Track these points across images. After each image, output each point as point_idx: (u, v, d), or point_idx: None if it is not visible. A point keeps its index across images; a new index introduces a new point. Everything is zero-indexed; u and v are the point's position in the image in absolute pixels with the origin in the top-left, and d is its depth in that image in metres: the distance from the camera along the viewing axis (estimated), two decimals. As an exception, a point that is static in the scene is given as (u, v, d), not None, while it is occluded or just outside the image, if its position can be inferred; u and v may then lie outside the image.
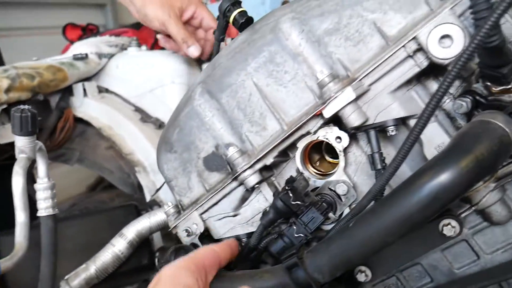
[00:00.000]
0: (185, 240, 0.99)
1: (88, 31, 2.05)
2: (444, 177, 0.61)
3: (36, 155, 0.95)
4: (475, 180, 0.63)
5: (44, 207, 0.96)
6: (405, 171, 0.83)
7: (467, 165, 0.61)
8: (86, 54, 1.72)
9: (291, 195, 0.81)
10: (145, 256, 1.23)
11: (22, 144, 0.91)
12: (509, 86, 0.68)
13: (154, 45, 1.92)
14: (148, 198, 1.50)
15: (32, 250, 0.91)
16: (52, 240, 0.96)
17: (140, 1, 1.40)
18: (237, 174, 0.88)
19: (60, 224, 1.02)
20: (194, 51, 1.38)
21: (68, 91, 1.73)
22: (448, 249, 0.85)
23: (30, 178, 1.16)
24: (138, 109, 1.71)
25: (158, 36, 1.55)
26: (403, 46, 0.73)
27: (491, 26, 0.55)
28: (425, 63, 0.73)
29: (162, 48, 1.85)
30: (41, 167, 0.97)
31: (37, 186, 0.97)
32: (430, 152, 0.78)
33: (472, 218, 0.82)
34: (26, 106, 0.88)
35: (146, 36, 1.90)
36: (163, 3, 1.38)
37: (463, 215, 0.81)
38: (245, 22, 0.97)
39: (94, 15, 4.76)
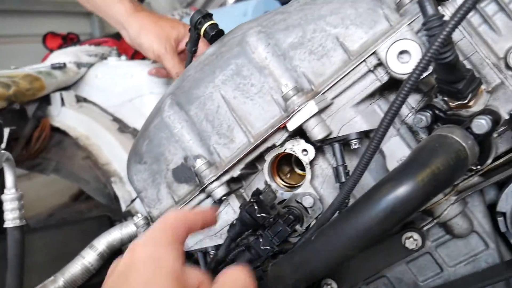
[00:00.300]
0: (154, 252, 0.98)
1: (69, 40, 2.04)
2: (401, 191, 0.61)
3: (3, 165, 0.94)
4: (432, 193, 0.63)
5: (11, 218, 0.95)
6: (371, 183, 0.84)
7: (423, 179, 0.61)
8: (64, 64, 1.71)
9: (256, 207, 0.81)
10: (117, 268, 1.22)
11: (-12, 154, 0.90)
12: (466, 101, 0.69)
13: (134, 55, 1.92)
14: (123, 208, 1.49)
15: (-3, 262, 0.90)
16: (18, 252, 0.95)
17: (135, 30, 1.40)
18: (204, 186, 0.88)
19: (31, 236, 1.02)
20: None
21: (45, 100, 1.72)
22: (412, 261, 0.86)
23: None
24: (116, 119, 1.70)
25: (152, 71, 1.57)
26: (364, 60, 0.74)
27: (442, 43, 0.57)
28: (385, 78, 0.74)
29: (142, 58, 1.85)
30: (9, 178, 0.96)
31: (4, 196, 0.96)
32: (393, 165, 0.79)
33: (435, 231, 0.83)
34: (-8, 117, 0.87)
35: (126, 46, 1.90)
36: (159, 35, 1.37)
37: (425, 228, 0.82)
38: (215, 34, 0.97)
39: (81, 24, 4.74)
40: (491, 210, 0.82)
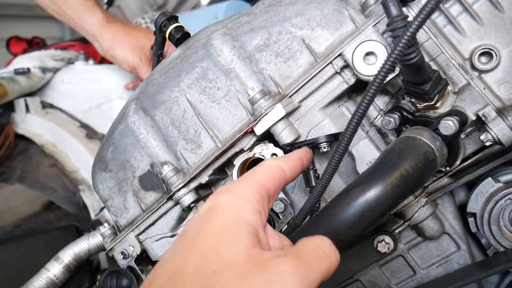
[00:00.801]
0: (121, 263, 0.95)
1: (34, 44, 1.98)
2: (370, 195, 0.60)
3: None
4: (401, 196, 0.62)
5: (-32, 233, 0.90)
6: (341, 187, 0.83)
7: (391, 182, 0.60)
8: (28, 69, 1.66)
9: (225, 214, 0.79)
10: (85, 281, 1.18)
11: None
12: (432, 102, 0.69)
13: (103, 59, 1.87)
14: (93, 217, 1.44)
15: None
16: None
17: (108, 42, 1.38)
18: (172, 193, 0.85)
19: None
20: None
21: (9, 107, 1.66)
22: (385, 265, 0.85)
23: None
24: (84, 125, 1.66)
25: (129, 85, 1.54)
26: (331, 62, 0.72)
27: (406, 44, 0.55)
28: (352, 80, 0.73)
29: (110, 62, 1.81)
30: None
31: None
32: (362, 167, 0.77)
33: (407, 234, 0.83)
34: None
35: (94, 50, 1.85)
36: (132, 46, 1.35)
37: (397, 230, 0.81)
38: (181, 37, 0.94)
39: (50, 28, 4.63)
40: (462, 211, 0.82)
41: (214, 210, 0.52)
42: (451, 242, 0.81)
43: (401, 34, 0.56)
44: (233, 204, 0.52)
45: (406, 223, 0.79)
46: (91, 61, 1.81)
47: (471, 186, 0.83)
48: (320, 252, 0.51)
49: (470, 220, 0.80)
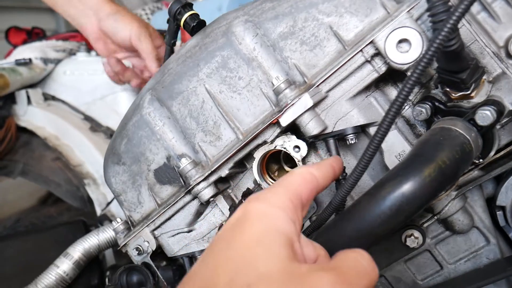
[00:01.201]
0: (136, 259, 0.92)
1: (34, 35, 1.93)
2: (406, 188, 0.58)
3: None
4: (439, 189, 0.60)
5: (-24, 229, 0.87)
6: (366, 180, 0.80)
7: (429, 174, 0.58)
8: (30, 59, 1.61)
9: (247, 208, 0.76)
10: (95, 276, 1.15)
11: None
12: (468, 92, 0.66)
13: (105, 50, 1.83)
14: (98, 212, 1.41)
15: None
16: (-15, 264, 0.87)
17: (109, 13, 1.31)
18: (191, 187, 0.82)
19: (-1, 245, 0.93)
20: None
21: (10, 99, 1.62)
22: (411, 260, 0.83)
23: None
24: (87, 118, 1.62)
25: (125, 61, 1.45)
26: (361, 50, 0.69)
27: (450, 29, 0.53)
28: (383, 68, 0.70)
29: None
30: (-28, 184, 0.88)
31: (-33, 206, 0.87)
32: (391, 160, 0.75)
33: (434, 228, 0.80)
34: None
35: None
36: (137, 19, 1.30)
37: (425, 225, 0.79)
38: (196, 25, 0.91)
39: (44, 19, 4.56)
40: (490, 204, 0.80)
41: (247, 219, 0.50)
42: (480, 236, 0.79)
43: (446, 19, 0.53)
44: (267, 213, 0.50)
45: (435, 217, 0.77)
46: (93, 52, 1.77)
47: (498, 179, 0.80)
48: (360, 267, 0.49)
49: (499, 213, 0.78)
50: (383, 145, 0.75)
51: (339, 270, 0.47)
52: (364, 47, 0.69)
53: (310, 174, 0.57)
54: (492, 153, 0.70)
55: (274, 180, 0.88)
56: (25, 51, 1.70)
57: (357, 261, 0.50)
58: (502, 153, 0.72)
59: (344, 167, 0.77)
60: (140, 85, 1.39)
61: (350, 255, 0.50)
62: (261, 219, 0.49)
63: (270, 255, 0.45)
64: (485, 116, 0.63)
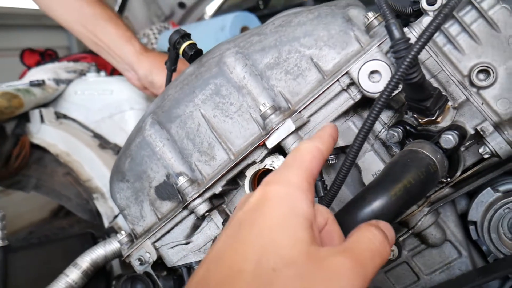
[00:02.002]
0: (138, 268, 0.99)
1: (47, 56, 2.04)
2: (375, 205, 0.64)
3: (-16, 187, 0.94)
4: (405, 206, 0.66)
5: (-7, 240, 0.95)
6: (348, 197, 0.87)
7: (395, 193, 0.64)
8: (43, 81, 1.71)
9: (238, 223, 0.84)
10: (101, 286, 1.22)
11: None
12: (434, 118, 0.73)
13: (113, 71, 1.93)
14: (106, 224, 1.49)
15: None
16: (1, 271, 0.95)
17: (146, 69, 1.44)
18: (187, 203, 0.90)
19: (12, 255, 1.01)
20: None
21: (24, 118, 1.72)
22: (390, 271, 0.89)
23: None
24: (96, 135, 1.71)
25: None
26: (338, 80, 0.77)
27: (408, 65, 0.60)
28: (358, 96, 0.78)
29: (121, 74, 1.86)
30: (-10, 200, 0.96)
31: (-15, 218, 0.96)
32: (368, 179, 0.82)
33: (411, 241, 0.87)
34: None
35: (105, 62, 1.91)
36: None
37: (401, 238, 0.85)
38: (194, 54, 0.99)
39: (57, 37, 4.71)
40: (463, 219, 0.86)
41: (268, 201, 0.50)
42: (453, 249, 0.85)
43: (404, 55, 0.60)
44: (287, 195, 0.51)
45: (410, 231, 0.84)
46: (102, 73, 1.87)
47: (472, 196, 0.87)
48: (374, 248, 0.51)
49: (471, 228, 0.84)
50: (361, 165, 0.82)
51: (355, 252, 0.48)
52: (340, 77, 0.77)
53: (317, 149, 0.58)
54: (459, 173, 0.77)
55: (265, 196, 0.95)
56: (38, 73, 1.80)
57: (371, 242, 0.51)
58: (469, 172, 0.79)
59: (326, 185, 0.84)
60: None
61: (364, 236, 0.52)
62: (282, 201, 0.50)
63: (293, 240, 0.47)
64: (448, 140, 0.70)
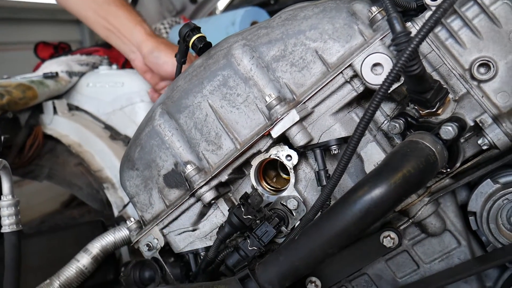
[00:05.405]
0: (146, 254, 1.03)
1: (60, 49, 2.08)
2: (375, 193, 0.66)
3: (0, 172, 0.98)
4: (404, 195, 0.69)
5: (8, 224, 0.99)
6: (350, 185, 0.89)
7: (395, 182, 0.66)
8: (57, 73, 1.75)
9: (243, 209, 0.86)
10: (111, 271, 1.26)
11: (-15, 161, 0.94)
12: (434, 110, 0.75)
13: (125, 64, 1.96)
14: (116, 213, 1.53)
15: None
16: (15, 255, 0.99)
17: (151, 47, 1.46)
18: (194, 190, 0.93)
19: (26, 241, 1.05)
20: None
21: (38, 109, 1.76)
22: (391, 259, 0.91)
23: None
24: (108, 127, 1.74)
25: (149, 91, 1.63)
26: (341, 72, 0.79)
27: (408, 57, 0.62)
28: (361, 88, 0.80)
29: (132, 67, 1.90)
30: (5, 184, 1.00)
31: (1, 203, 1.00)
32: (370, 168, 0.84)
33: (411, 230, 0.89)
34: (-11, 127, 0.91)
35: (117, 55, 1.94)
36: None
37: (402, 227, 0.87)
38: (203, 47, 1.02)
39: (70, 31, 4.76)
40: (464, 210, 0.88)
41: None
42: (452, 238, 0.87)
43: (404, 48, 0.63)
44: None
45: (410, 220, 0.86)
46: (114, 66, 1.90)
47: (472, 187, 0.88)
48: None
49: (471, 218, 0.86)
50: (363, 155, 0.84)
51: None
52: (343, 70, 0.79)
53: None
54: (458, 164, 0.79)
55: (270, 185, 0.98)
56: (52, 65, 1.84)
57: None
58: (469, 164, 0.80)
59: (329, 175, 0.87)
60: None
61: None
62: None
63: None
64: (447, 131, 0.72)
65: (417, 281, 0.89)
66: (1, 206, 1.00)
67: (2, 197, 1.01)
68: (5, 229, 0.99)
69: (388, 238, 0.85)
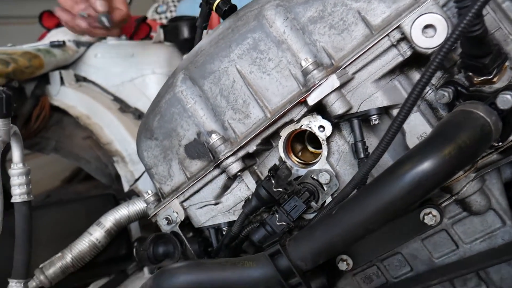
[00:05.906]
0: (165, 228, 0.98)
1: (66, 18, 1.99)
2: (427, 165, 0.61)
3: (11, 139, 0.92)
4: (457, 167, 0.63)
5: (19, 193, 0.94)
6: (387, 161, 0.84)
7: (449, 153, 0.61)
8: (64, 42, 1.68)
9: (273, 182, 0.81)
10: (123, 246, 1.21)
11: (-4, 126, 0.88)
12: (490, 77, 0.69)
13: (134, 35, 1.89)
14: (126, 188, 1.48)
15: (6, 238, 0.88)
16: (26, 227, 0.94)
17: None
18: (219, 161, 0.87)
19: (35, 213, 1.00)
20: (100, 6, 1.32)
21: (44, 79, 1.69)
22: (428, 238, 0.86)
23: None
24: (117, 99, 1.68)
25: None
26: (387, 35, 0.73)
27: (474, 15, 0.56)
28: (408, 53, 0.74)
29: (142, 39, 1.83)
30: (16, 152, 0.94)
31: (11, 171, 0.94)
32: (412, 141, 0.78)
33: (452, 208, 0.83)
34: (1, 88, 0.85)
35: (125, 26, 1.87)
36: None
37: (443, 204, 0.82)
38: (228, 9, 0.95)
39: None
40: (507, 188, 0.83)
41: None
42: (496, 217, 0.82)
43: (471, 4, 0.56)
44: None
45: (453, 197, 0.80)
46: (123, 37, 1.83)
47: (516, 164, 0.83)
48: None
49: (516, 197, 0.81)
50: (405, 127, 0.78)
51: None
52: (390, 32, 0.73)
53: None
54: (511, 137, 0.73)
55: (299, 158, 0.92)
56: (59, 34, 1.77)
57: None
58: (521, 137, 0.75)
59: (367, 147, 0.81)
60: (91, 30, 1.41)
61: None
62: None
63: None
64: (505, 100, 0.66)
65: (456, 261, 0.84)
66: (11, 174, 0.94)
67: (12, 165, 0.95)
68: (16, 199, 0.93)
69: (430, 215, 0.79)
